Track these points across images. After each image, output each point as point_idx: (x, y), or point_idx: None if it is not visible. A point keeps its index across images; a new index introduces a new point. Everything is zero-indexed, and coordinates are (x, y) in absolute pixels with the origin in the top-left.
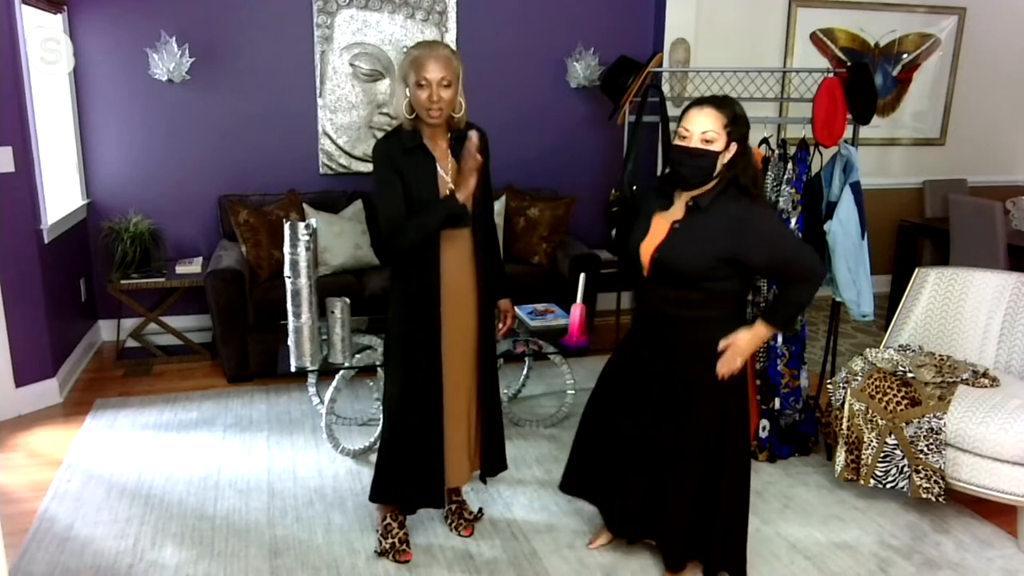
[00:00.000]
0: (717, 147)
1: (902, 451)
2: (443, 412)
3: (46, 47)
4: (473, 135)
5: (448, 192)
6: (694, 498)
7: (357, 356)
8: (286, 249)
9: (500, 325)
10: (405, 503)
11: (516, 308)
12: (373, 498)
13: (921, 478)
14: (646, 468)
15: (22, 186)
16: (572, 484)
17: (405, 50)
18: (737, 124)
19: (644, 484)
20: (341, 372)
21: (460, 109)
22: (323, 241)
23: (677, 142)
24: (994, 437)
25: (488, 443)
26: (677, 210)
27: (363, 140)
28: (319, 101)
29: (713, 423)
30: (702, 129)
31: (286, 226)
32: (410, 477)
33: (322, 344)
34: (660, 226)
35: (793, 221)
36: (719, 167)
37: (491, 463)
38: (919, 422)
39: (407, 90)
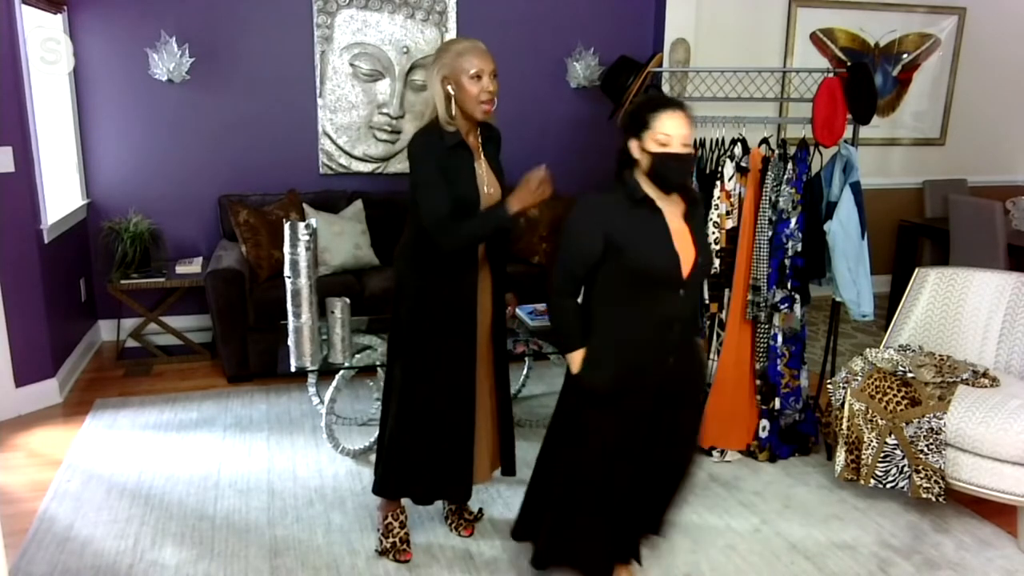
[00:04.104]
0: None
1: (902, 451)
2: (475, 407)
3: (46, 47)
4: (544, 174)
5: (488, 192)
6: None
7: (357, 356)
8: (286, 249)
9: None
10: (422, 495)
11: (516, 308)
12: (379, 491)
13: (921, 478)
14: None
15: (22, 186)
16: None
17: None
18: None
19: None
20: (341, 372)
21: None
22: (323, 241)
23: (659, 149)
24: (994, 437)
25: (506, 441)
26: (674, 211)
27: (363, 140)
28: (319, 101)
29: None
30: (683, 134)
31: (286, 226)
32: (432, 470)
33: (322, 344)
34: (679, 230)
35: (793, 221)
36: None
37: (511, 461)
38: (919, 422)
39: (450, 87)
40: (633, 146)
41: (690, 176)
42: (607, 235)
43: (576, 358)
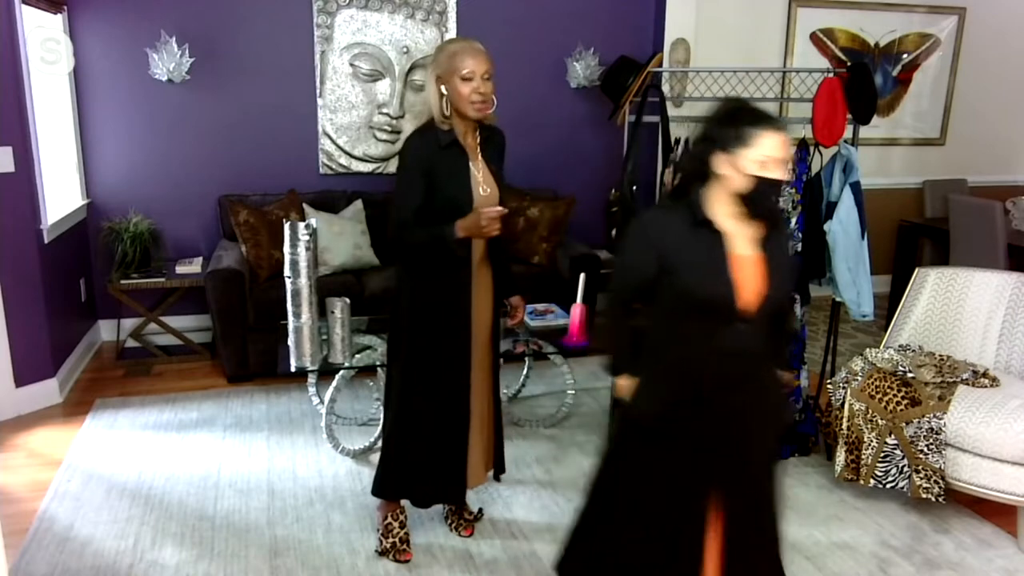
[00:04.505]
0: None
1: (902, 451)
2: (470, 411)
3: (46, 47)
4: (498, 215)
5: (484, 193)
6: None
7: (357, 356)
8: (286, 249)
9: (509, 320)
10: (420, 498)
11: (524, 314)
12: (378, 493)
13: (921, 478)
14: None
15: (22, 186)
16: None
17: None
18: None
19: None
20: (341, 372)
21: (493, 105)
22: (323, 241)
23: (760, 172)
24: (994, 437)
25: (497, 444)
26: (747, 235)
27: (363, 140)
28: (319, 101)
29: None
30: (786, 158)
31: (286, 226)
32: (428, 473)
33: (322, 344)
34: (746, 259)
35: (793, 221)
36: None
37: (500, 462)
38: (919, 422)
39: (443, 87)
40: (720, 160)
41: (777, 200)
42: (660, 255)
43: (621, 382)
